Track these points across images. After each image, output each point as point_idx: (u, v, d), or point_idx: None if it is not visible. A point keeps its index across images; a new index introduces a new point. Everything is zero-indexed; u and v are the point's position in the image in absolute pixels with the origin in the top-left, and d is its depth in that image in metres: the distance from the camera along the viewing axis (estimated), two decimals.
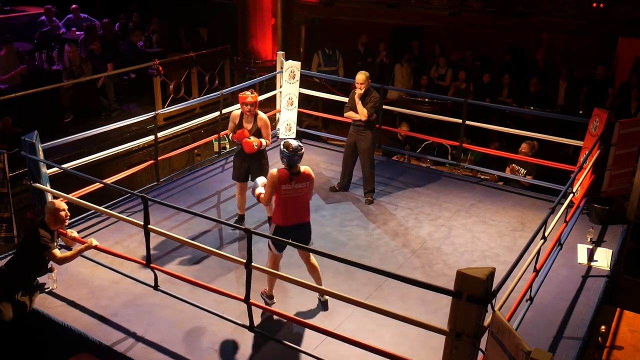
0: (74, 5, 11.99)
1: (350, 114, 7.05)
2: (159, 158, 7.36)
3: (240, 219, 6.61)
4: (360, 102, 6.87)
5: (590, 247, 6.21)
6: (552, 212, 5.25)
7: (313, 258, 5.18)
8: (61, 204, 5.36)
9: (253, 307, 4.74)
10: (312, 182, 5.07)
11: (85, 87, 9.36)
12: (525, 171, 7.91)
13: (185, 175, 7.95)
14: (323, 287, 4.89)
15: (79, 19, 11.88)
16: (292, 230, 4.96)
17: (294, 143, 4.96)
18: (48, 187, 5.89)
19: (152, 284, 5.35)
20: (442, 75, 11.03)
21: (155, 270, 5.26)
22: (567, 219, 6.05)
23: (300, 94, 8.75)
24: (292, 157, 4.93)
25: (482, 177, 8.25)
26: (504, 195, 7.56)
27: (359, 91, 6.86)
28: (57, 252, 5.19)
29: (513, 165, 7.94)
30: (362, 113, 6.87)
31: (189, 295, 5.22)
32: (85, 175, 5.75)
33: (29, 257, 5.16)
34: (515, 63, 10.92)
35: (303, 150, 5.00)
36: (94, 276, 5.66)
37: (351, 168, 7.43)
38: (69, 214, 5.43)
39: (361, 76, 6.86)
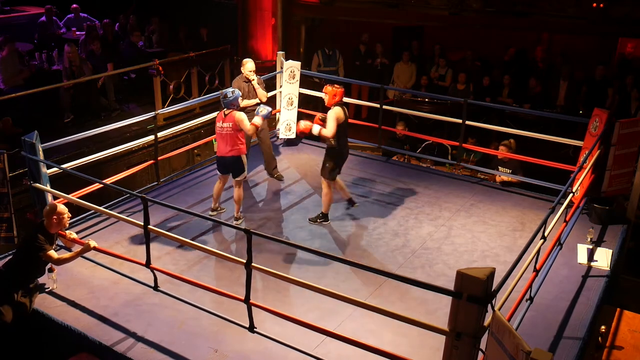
0: (74, 5, 11.98)
1: (245, 102, 7.34)
2: (159, 158, 7.36)
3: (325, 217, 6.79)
4: (258, 87, 7.45)
5: (590, 247, 6.21)
6: (552, 212, 5.25)
7: (239, 190, 6.52)
8: (63, 208, 5.31)
9: (253, 307, 4.74)
10: (234, 124, 6.28)
11: (85, 87, 9.36)
12: (510, 171, 7.92)
13: (185, 175, 7.96)
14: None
15: (79, 19, 11.87)
16: (221, 160, 6.53)
17: (225, 91, 6.36)
18: (48, 187, 5.89)
19: (152, 284, 5.36)
20: (442, 76, 11.01)
21: (155, 271, 5.27)
22: (567, 219, 6.05)
23: (300, 94, 8.75)
24: (221, 101, 6.33)
25: (482, 177, 8.25)
26: (504, 195, 7.56)
27: (254, 77, 7.40)
28: (54, 254, 5.19)
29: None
30: (263, 95, 7.52)
31: (189, 296, 5.23)
32: (85, 175, 5.75)
33: (27, 258, 5.16)
34: (515, 63, 10.91)
35: (228, 97, 6.28)
36: (94, 276, 5.66)
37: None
38: (70, 215, 5.43)
39: (252, 64, 7.44)
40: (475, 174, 8.39)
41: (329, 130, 6.27)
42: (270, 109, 6.54)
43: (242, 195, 6.66)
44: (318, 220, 6.70)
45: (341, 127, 6.34)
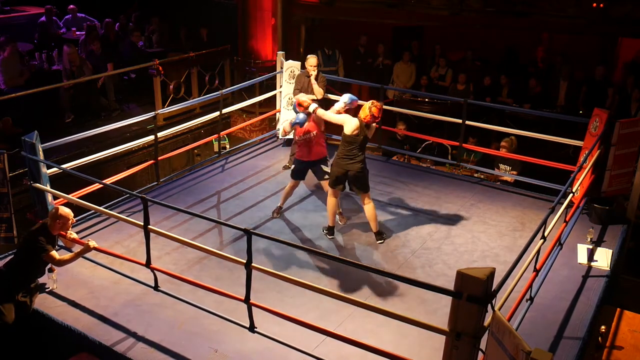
0: (71, 6, 11.99)
1: (301, 96, 7.35)
2: (159, 158, 7.36)
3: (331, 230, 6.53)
4: (315, 83, 7.35)
5: (590, 247, 6.21)
6: (552, 212, 5.25)
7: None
8: (69, 212, 5.33)
9: (253, 307, 4.74)
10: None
11: (85, 87, 9.36)
12: (509, 168, 7.96)
13: (185, 175, 7.95)
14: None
15: (77, 19, 11.88)
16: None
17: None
18: (48, 187, 5.89)
19: (152, 284, 5.36)
20: (442, 76, 11.01)
21: (155, 271, 5.27)
22: (567, 219, 6.05)
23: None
24: None
25: (482, 176, 8.26)
26: (504, 195, 7.56)
27: (313, 73, 7.43)
28: (56, 255, 5.20)
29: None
30: (319, 92, 7.45)
31: (189, 296, 5.23)
32: (85, 175, 5.75)
33: (28, 258, 5.17)
34: (514, 63, 10.91)
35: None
36: (94, 276, 5.66)
37: None
38: (74, 221, 5.44)
39: (314, 60, 7.47)
40: (474, 173, 8.40)
41: (323, 112, 6.26)
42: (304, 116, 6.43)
43: (288, 192, 6.83)
44: (324, 232, 6.57)
45: (345, 139, 6.12)
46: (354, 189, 6.35)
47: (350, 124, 6.07)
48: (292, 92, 7.83)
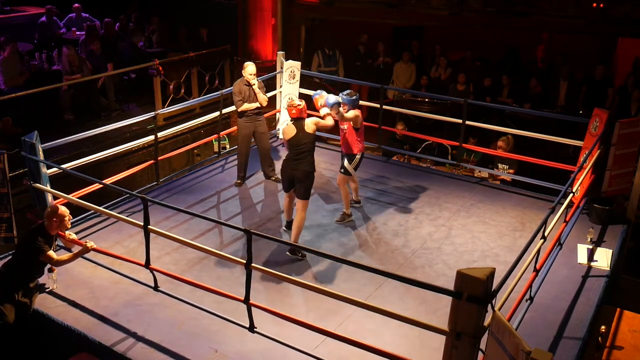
0: (76, 5, 11.98)
1: (246, 106, 7.35)
2: (159, 158, 7.36)
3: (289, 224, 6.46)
4: (259, 91, 7.35)
5: (590, 247, 6.21)
6: (552, 212, 5.26)
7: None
8: (64, 210, 5.31)
9: (253, 308, 4.74)
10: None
11: (85, 87, 9.36)
12: (507, 167, 7.98)
13: (185, 175, 7.96)
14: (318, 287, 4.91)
15: (80, 19, 11.88)
16: None
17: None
18: (48, 188, 5.89)
19: (152, 284, 5.36)
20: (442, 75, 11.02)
21: (154, 271, 5.27)
22: (567, 219, 6.05)
23: (300, 94, 8.75)
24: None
25: (483, 175, 8.26)
26: (504, 195, 7.56)
27: (254, 82, 7.32)
28: (53, 255, 5.19)
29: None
30: (264, 100, 7.42)
31: (189, 296, 5.23)
32: (85, 175, 5.75)
33: (26, 259, 5.16)
34: (514, 63, 10.91)
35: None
36: (94, 276, 5.66)
37: (248, 157, 7.74)
38: (71, 217, 5.44)
39: (253, 67, 7.33)
40: (473, 172, 8.40)
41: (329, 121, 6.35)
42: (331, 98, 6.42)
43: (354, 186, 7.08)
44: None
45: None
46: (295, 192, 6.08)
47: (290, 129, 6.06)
48: (235, 104, 7.41)
